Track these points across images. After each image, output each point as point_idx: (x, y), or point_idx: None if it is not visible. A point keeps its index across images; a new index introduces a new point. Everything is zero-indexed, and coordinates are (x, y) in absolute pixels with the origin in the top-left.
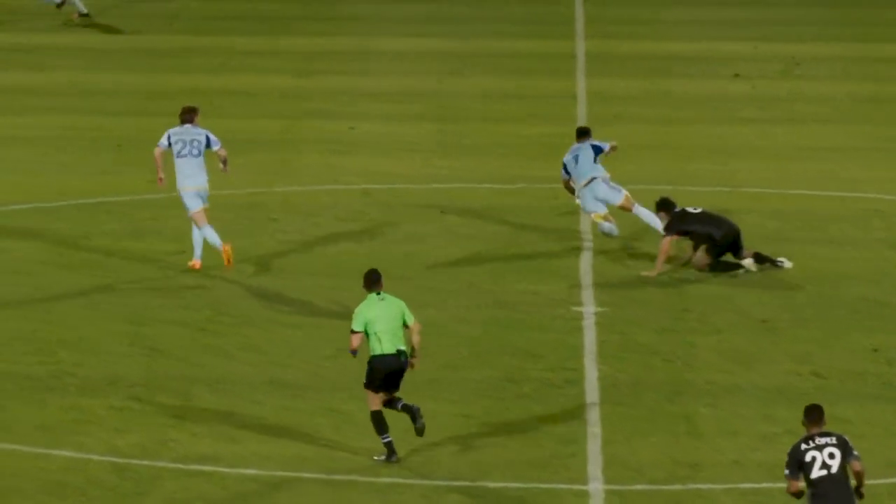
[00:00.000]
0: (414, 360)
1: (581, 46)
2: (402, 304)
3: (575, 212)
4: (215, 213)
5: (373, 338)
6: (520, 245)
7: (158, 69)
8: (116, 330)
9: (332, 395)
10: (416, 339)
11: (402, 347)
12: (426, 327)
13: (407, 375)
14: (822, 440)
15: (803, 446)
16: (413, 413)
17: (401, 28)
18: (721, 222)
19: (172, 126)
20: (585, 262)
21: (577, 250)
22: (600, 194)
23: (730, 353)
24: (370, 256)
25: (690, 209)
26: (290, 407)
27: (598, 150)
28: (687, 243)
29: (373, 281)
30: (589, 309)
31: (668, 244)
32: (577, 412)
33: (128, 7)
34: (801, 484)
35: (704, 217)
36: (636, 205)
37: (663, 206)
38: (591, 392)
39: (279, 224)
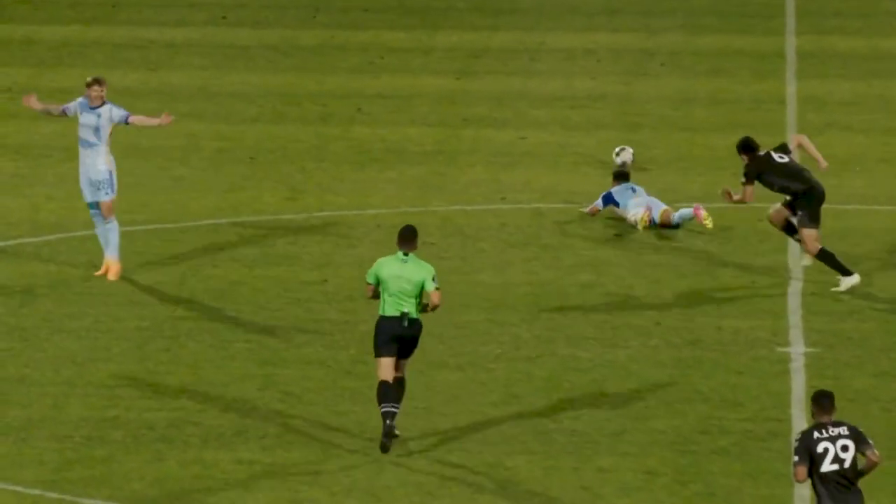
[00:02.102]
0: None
1: (791, 43)
2: (428, 269)
3: (782, 238)
4: (359, 235)
5: (381, 298)
6: (717, 275)
7: (296, 69)
8: (246, 372)
9: (497, 448)
10: (432, 302)
11: (407, 311)
12: (608, 368)
13: (587, 427)
14: (836, 430)
15: (816, 434)
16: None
17: (577, 21)
18: (805, 178)
19: (305, 136)
20: (793, 295)
21: (784, 282)
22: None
23: None
24: (542, 286)
25: (777, 157)
26: (448, 461)
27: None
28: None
29: (403, 238)
30: (797, 349)
31: (750, 194)
32: (782, 470)
33: None
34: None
35: (789, 169)
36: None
37: (746, 148)
38: None
39: (436, 249)
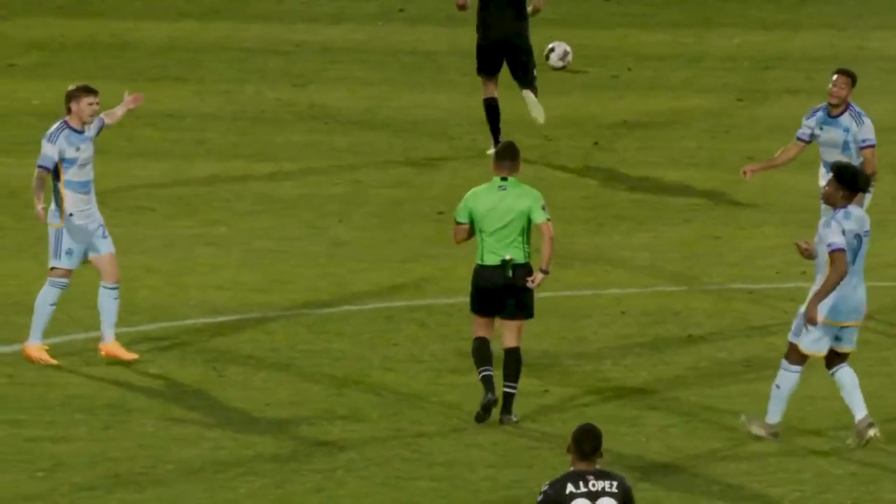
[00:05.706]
0: (536, 277)
1: None
2: (533, 196)
3: None
4: None
5: (478, 240)
6: None
7: None
8: None
9: None
10: (545, 246)
11: (511, 257)
12: None
13: None
14: (599, 484)
15: (570, 488)
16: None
17: None
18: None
19: None
20: None
21: None
22: None
23: None
24: None
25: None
26: None
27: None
28: None
29: (501, 156)
30: None
31: None
32: None
33: None
34: None
35: None
36: None
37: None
38: None
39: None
